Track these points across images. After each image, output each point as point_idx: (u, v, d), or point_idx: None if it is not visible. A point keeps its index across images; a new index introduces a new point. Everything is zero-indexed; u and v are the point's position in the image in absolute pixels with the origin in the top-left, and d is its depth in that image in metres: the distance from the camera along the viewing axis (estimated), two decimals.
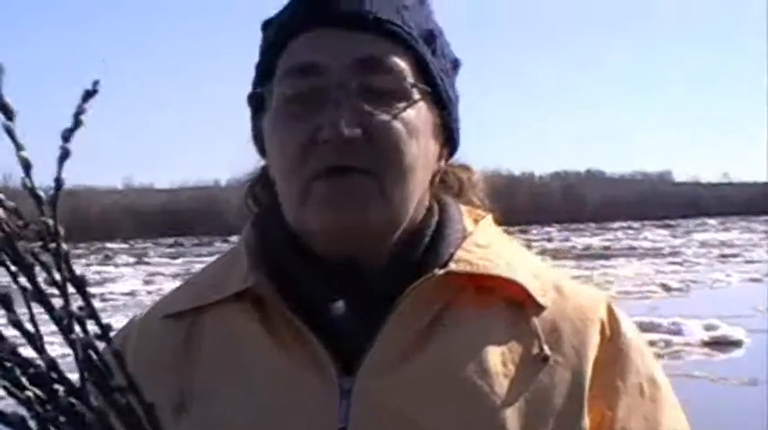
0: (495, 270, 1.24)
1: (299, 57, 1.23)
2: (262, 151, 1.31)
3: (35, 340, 0.97)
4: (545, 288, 1.26)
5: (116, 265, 36.42)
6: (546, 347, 1.20)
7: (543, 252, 37.72)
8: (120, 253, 45.60)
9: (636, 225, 66.93)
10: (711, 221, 70.87)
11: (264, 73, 1.27)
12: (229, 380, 1.21)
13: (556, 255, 36.93)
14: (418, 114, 1.23)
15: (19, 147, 0.94)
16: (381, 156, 1.19)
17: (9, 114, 0.92)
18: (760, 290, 22.41)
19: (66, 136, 0.93)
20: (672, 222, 69.15)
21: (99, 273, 31.14)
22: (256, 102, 1.29)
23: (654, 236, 52.08)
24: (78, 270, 0.98)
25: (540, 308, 1.23)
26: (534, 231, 60.52)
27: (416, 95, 1.23)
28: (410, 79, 1.23)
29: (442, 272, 1.21)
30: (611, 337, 1.25)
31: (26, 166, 0.93)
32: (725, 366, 12.14)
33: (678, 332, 13.85)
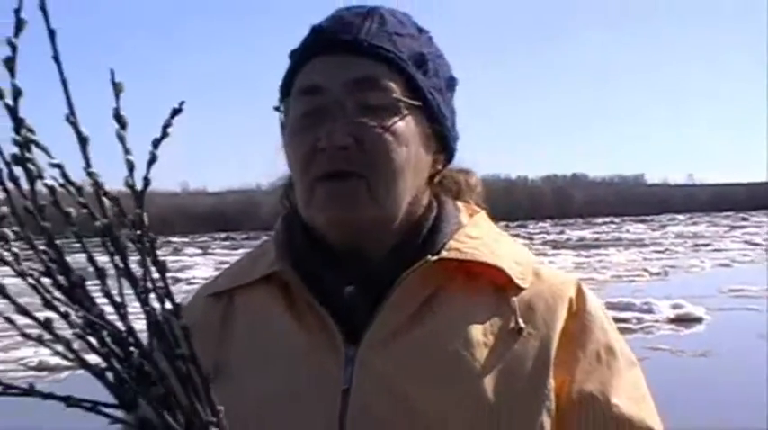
0: (482, 257, 1.24)
1: (305, 80, 1.24)
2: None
3: (120, 309, 1.01)
4: (525, 272, 1.26)
5: (189, 256, 35.86)
6: (521, 321, 1.21)
7: (545, 243, 37.27)
8: (185, 246, 44.94)
9: (617, 220, 65.74)
10: (680, 217, 69.79)
11: (284, 94, 1.29)
12: (257, 350, 1.24)
13: (555, 245, 36.57)
14: (407, 126, 1.23)
15: (127, 152, 0.96)
16: (371, 161, 1.20)
17: (122, 124, 0.96)
18: (727, 273, 22.22)
19: (156, 143, 0.95)
20: (647, 218, 67.93)
21: (176, 262, 30.86)
22: (282, 108, 1.30)
23: (634, 229, 51.08)
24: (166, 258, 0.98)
25: (519, 289, 1.24)
26: (531, 226, 59.45)
27: (405, 110, 1.23)
28: (399, 96, 1.23)
29: (434, 258, 1.22)
30: (577, 313, 1.25)
31: (130, 168, 0.96)
32: (686, 340, 12.00)
33: (649, 310, 13.77)
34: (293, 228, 1.29)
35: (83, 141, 0.98)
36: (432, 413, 1.15)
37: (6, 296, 1.01)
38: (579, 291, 1.28)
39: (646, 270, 23.81)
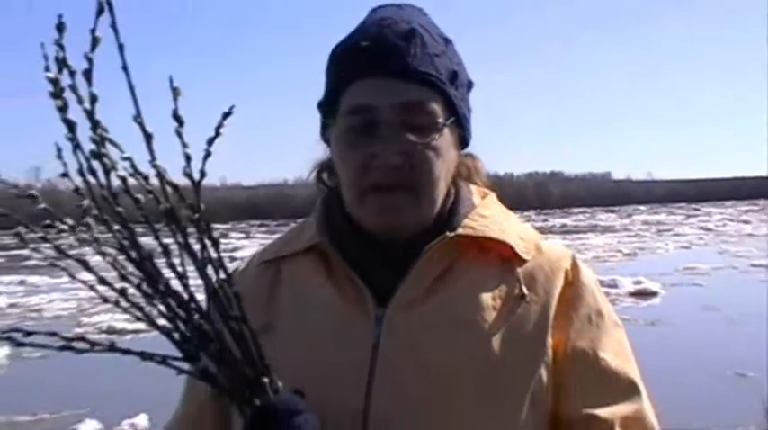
0: (491, 234, 1.25)
1: (357, 99, 1.21)
2: (328, 143, 1.30)
3: (182, 279, 1.04)
4: (528, 247, 1.27)
5: (236, 239, 35.85)
6: (524, 289, 1.22)
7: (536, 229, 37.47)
8: (229, 231, 44.98)
9: (589, 210, 65.60)
10: (642, 207, 69.55)
11: (330, 102, 1.26)
12: (300, 310, 1.25)
13: (542, 231, 36.40)
14: (445, 139, 1.23)
15: (184, 145, 0.99)
16: (417, 177, 1.20)
17: (180, 122, 0.98)
18: (686, 254, 22.32)
19: (210, 141, 0.98)
20: (614, 208, 67.82)
21: (227, 244, 30.96)
22: (325, 113, 1.28)
23: (605, 218, 50.97)
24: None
25: (523, 261, 1.25)
26: (518, 216, 59.28)
27: (444, 127, 1.22)
28: (441, 118, 1.22)
29: (452, 235, 1.23)
30: (572, 282, 1.26)
31: (187, 159, 0.99)
32: (642, 311, 12.01)
33: (614, 286, 13.76)
34: (332, 208, 1.29)
35: (148, 138, 0.99)
36: (446, 365, 1.16)
37: (89, 269, 1.04)
38: (574, 264, 1.29)
39: (619, 251, 23.91)
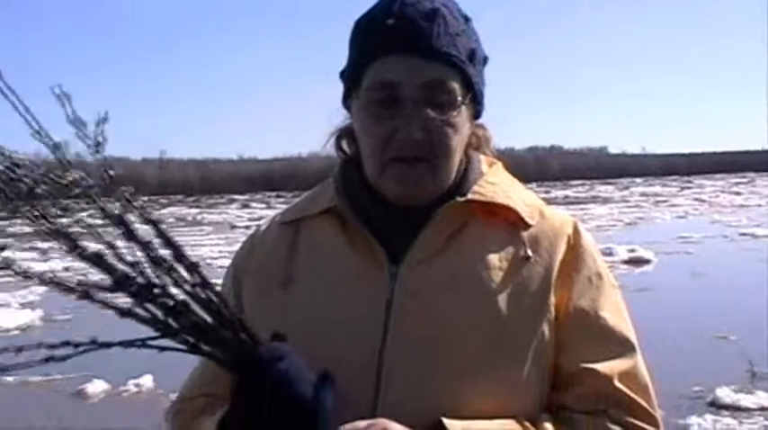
0: (499, 199, 1.27)
1: (382, 75, 1.22)
2: (349, 111, 1.31)
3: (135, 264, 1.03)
4: (533, 212, 1.28)
5: (258, 209, 35.76)
6: (529, 251, 1.24)
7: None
8: (248, 202, 44.92)
9: (588, 183, 65.29)
10: (638, 180, 69.24)
11: (354, 74, 1.26)
12: (318, 267, 1.26)
13: (547, 202, 36.25)
14: (462, 115, 1.25)
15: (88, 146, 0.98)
16: (437, 151, 1.22)
17: (78, 127, 0.97)
18: (682, 224, 22.42)
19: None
20: (611, 181, 67.53)
21: (251, 213, 31.75)
22: (348, 83, 1.28)
23: (604, 189, 50.88)
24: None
25: (528, 225, 1.26)
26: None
27: (462, 104, 1.24)
28: (460, 97, 1.23)
29: (461, 199, 1.25)
30: (573, 246, 1.28)
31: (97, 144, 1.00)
32: (634, 278, 11.89)
33: (610, 253, 13.65)
34: (350, 173, 1.31)
35: (56, 147, 0.99)
36: (456, 319, 1.18)
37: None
38: (576, 229, 1.30)
39: (620, 220, 24.05)
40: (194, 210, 37.03)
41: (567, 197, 41.35)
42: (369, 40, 1.25)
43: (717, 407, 6.05)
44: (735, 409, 6.00)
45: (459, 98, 1.23)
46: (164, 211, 36.28)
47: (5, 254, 1.00)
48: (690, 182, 60.23)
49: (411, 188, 1.23)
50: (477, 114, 1.32)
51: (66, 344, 1.04)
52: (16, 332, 8.94)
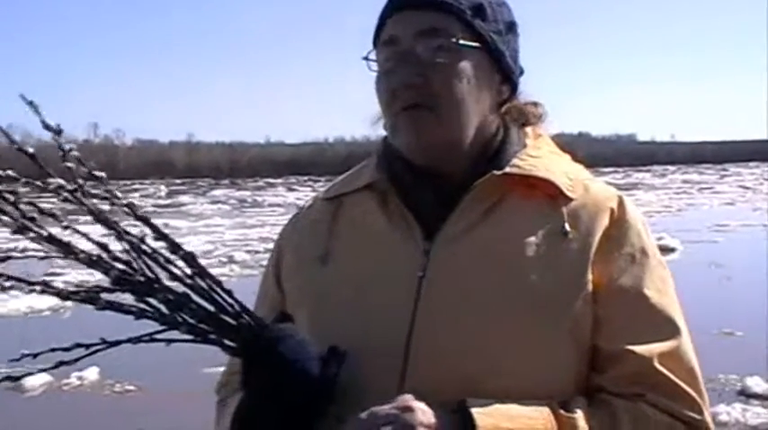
0: (537, 173, 1.24)
1: (386, 32, 1.25)
2: None
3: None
4: (575, 186, 1.25)
5: (298, 191, 36.00)
6: (567, 226, 1.20)
7: None
8: (275, 185, 45.13)
9: (620, 170, 64.06)
10: (671, 168, 67.98)
11: (374, 45, 1.29)
12: (357, 241, 1.27)
13: None
14: (468, 63, 1.22)
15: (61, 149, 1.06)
16: (437, 94, 1.20)
17: (57, 132, 1.05)
18: (727, 210, 22.16)
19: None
20: (643, 168, 66.38)
21: (276, 196, 32.10)
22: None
23: (642, 177, 49.96)
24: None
25: (569, 199, 1.23)
26: None
27: (465, 51, 1.22)
28: (459, 39, 1.22)
29: (499, 173, 1.23)
30: (618, 220, 1.24)
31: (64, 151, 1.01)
32: None
33: None
34: (390, 149, 1.29)
35: (32, 157, 1.01)
36: (488, 295, 1.17)
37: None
38: (620, 203, 1.27)
39: (670, 206, 24.08)
40: (246, 193, 37.32)
41: (608, 184, 40.68)
42: (385, 3, 1.28)
43: (746, 396, 6.00)
44: (765, 399, 5.94)
45: (456, 41, 1.21)
46: (216, 193, 36.58)
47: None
48: (725, 170, 59.23)
49: (415, 136, 1.21)
50: (507, 79, 1.29)
51: (78, 346, 1.07)
52: (48, 313, 9.04)
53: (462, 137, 1.23)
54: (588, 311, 1.18)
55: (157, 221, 1.08)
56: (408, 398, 1.07)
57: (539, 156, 1.27)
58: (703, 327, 8.01)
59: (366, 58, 1.28)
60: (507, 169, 1.24)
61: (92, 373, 6.65)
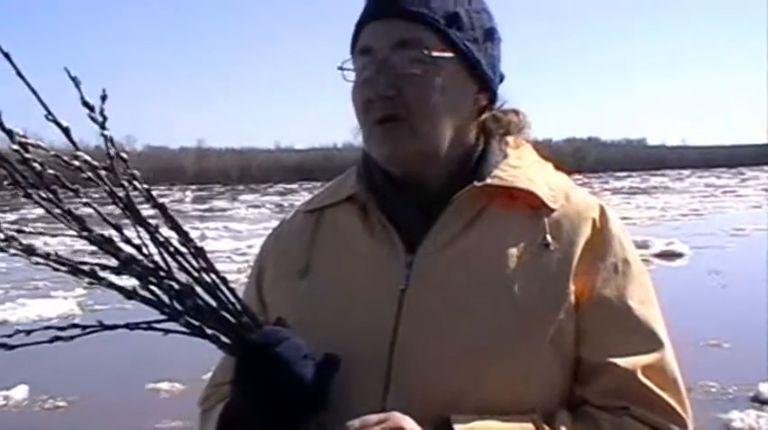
0: (518, 183, 1.22)
1: (361, 41, 1.23)
2: None
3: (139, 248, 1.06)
4: (557, 196, 1.23)
5: (299, 198, 36.13)
6: (549, 237, 1.19)
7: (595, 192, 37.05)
8: (293, 191, 45.21)
9: (634, 174, 62.99)
10: (685, 172, 67.32)
11: (353, 48, 1.27)
12: (337, 254, 1.26)
13: (612, 192, 36.64)
14: (441, 74, 1.20)
15: (102, 127, 1.00)
16: (410, 106, 1.18)
17: (91, 108, 0.98)
18: (756, 214, 21.84)
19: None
20: (657, 172, 65.68)
21: (298, 200, 31.39)
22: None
23: (656, 181, 49.36)
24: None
25: (551, 210, 1.21)
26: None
27: (439, 62, 1.20)
28: (432, 50, 1.19)
29: (479, 184, 1.21)
30: (600, 230, 1.22)
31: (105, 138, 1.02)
32: (659, 272, 11.27)
33: (645, 246, 13.24)
34: (370, 161, 1.27)
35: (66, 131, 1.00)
36: (469, 307, 1.15)
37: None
38: (602, 213, 1.25)
39: (696, 209, 23.98)
40: (276, 198, 37.51)
41: (631, 188, 40.49)
42: (361, 11, 1.26)
43: (760, 402, 5.91)
44: None
45: (431, 53, 1.19)
46: (247, 197, 36.40)
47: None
48: (742, 173, 58.76)
49: (389, 148, 1.20)
50: (485, 87, 1.26)
51: (74, 326, 1.06)
52: (56, 321, 9.02)
53: (437, 147, 1.21)
54: (571, 323, 1.17)
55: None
56: (397, 416, 1.06)
57: (520, 167, 1.26)
58: (689, 337, 7.93)
59: (341, 68, 1.26)
60: (488, 180, 1.22)
61: (20, 392, 6.26)
